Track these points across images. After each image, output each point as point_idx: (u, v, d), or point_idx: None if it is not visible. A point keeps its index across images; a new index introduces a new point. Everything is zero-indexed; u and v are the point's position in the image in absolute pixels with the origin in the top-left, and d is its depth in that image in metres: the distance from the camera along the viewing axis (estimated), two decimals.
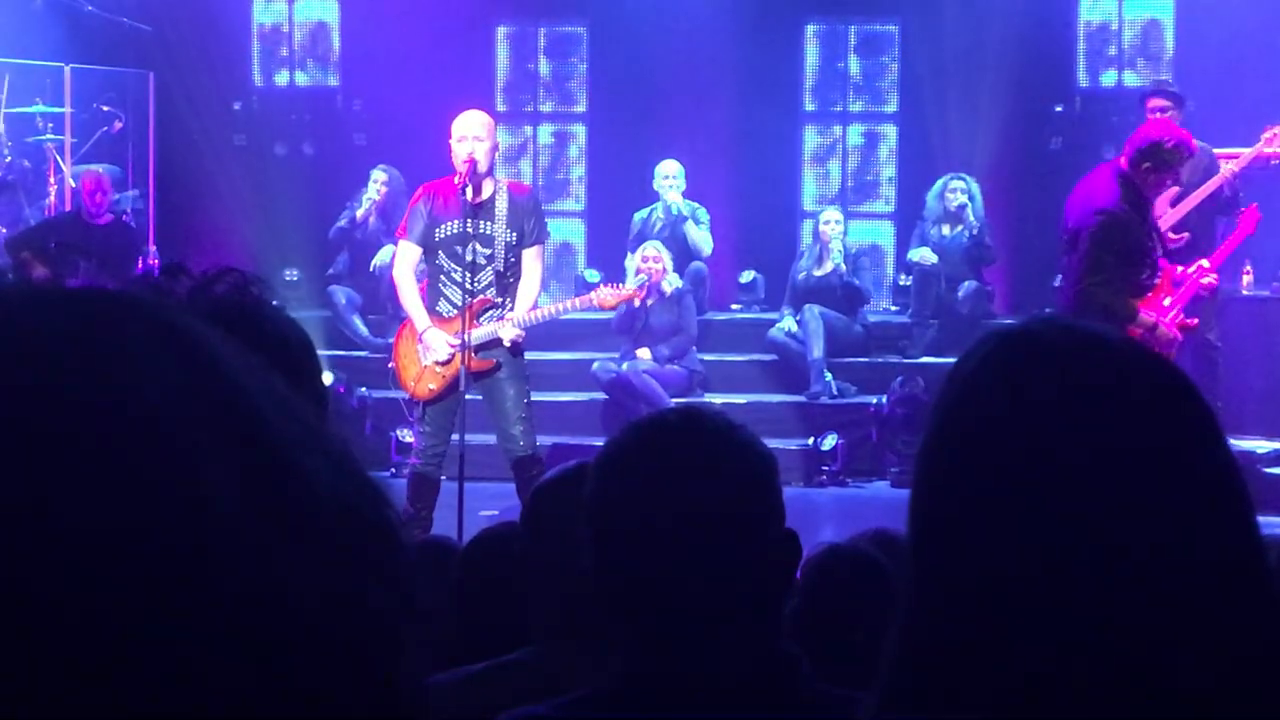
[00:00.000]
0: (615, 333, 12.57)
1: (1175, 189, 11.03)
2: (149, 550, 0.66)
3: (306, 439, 0.74)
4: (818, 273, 13.11)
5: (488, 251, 8.64)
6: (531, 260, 8.78)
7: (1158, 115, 11.24)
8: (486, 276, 8.66)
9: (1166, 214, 11.03)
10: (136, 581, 0.66)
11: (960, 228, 13.23)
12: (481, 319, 8.64)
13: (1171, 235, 10.91)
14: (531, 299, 8.75)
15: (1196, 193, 10.85)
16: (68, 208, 13.25)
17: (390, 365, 9.18)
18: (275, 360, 1.31)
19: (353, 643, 0.71)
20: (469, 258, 8.58)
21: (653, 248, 12.59)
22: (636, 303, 11.72)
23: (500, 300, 8.69)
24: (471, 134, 8.61)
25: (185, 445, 0.69)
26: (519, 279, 8.77)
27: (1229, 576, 1.34)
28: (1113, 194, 8.57)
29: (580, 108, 15.63)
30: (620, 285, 9.84)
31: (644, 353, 12.41)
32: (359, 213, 13.63)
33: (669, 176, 13.50)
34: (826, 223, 13.27)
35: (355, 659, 0.71)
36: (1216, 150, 11.23)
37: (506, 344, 8.64)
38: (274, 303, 1.38)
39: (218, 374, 0.73)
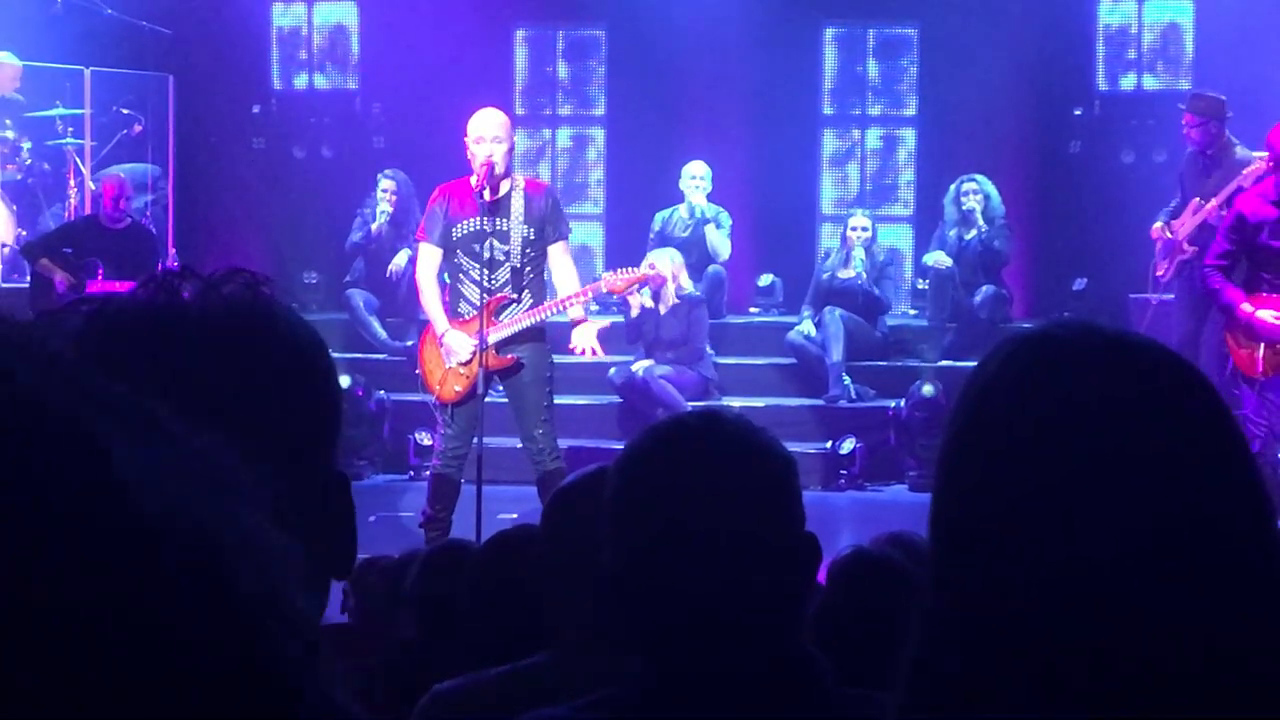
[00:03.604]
0: (628, 342, 12.48)
1: (1197, 200, 11.02)
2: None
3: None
4: (842, 275, 13.07)
5: (505, 248, 8.64)
6: (560, 255, 8.80)
7: (1192, 132, 11.23)
8: (504, 274, 8.66)
9: (1187, 222, 11.03)
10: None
11: (974, 231, 13.19)
12: (500, 316, 8.64)
13: (1185, 245, 10.92)
14: (576, 289, 8.79)
15: (1211, 202, 10.80)
16: (87, 211, 13.27)
17: (417, 371, 9.17)
18: (288, 361, 1.32)
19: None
20: (486, 254, 8.58)
21: (652, 258, 12.35)
22: (635, 310, 11.65)
23: (516, 297, 8.69)
24: (490, 135, 8.61)
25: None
26: (538, 275, 8.79)
27: (1255, 579, 1.33)
28: (1273, 191, 9.12)
29: (599, 111, 15.64)
30: (629, 269, 9.70)
31: (645, 363, 12.25)
32: (374, 226, 13.58)
33: (696, 177, 13.47)
34: (854, 229, 13.23)
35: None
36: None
37: (570, 319, 8.75)
38: (285, 303, 1.37)
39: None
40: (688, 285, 12.62)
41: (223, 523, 0.73)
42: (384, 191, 13.62)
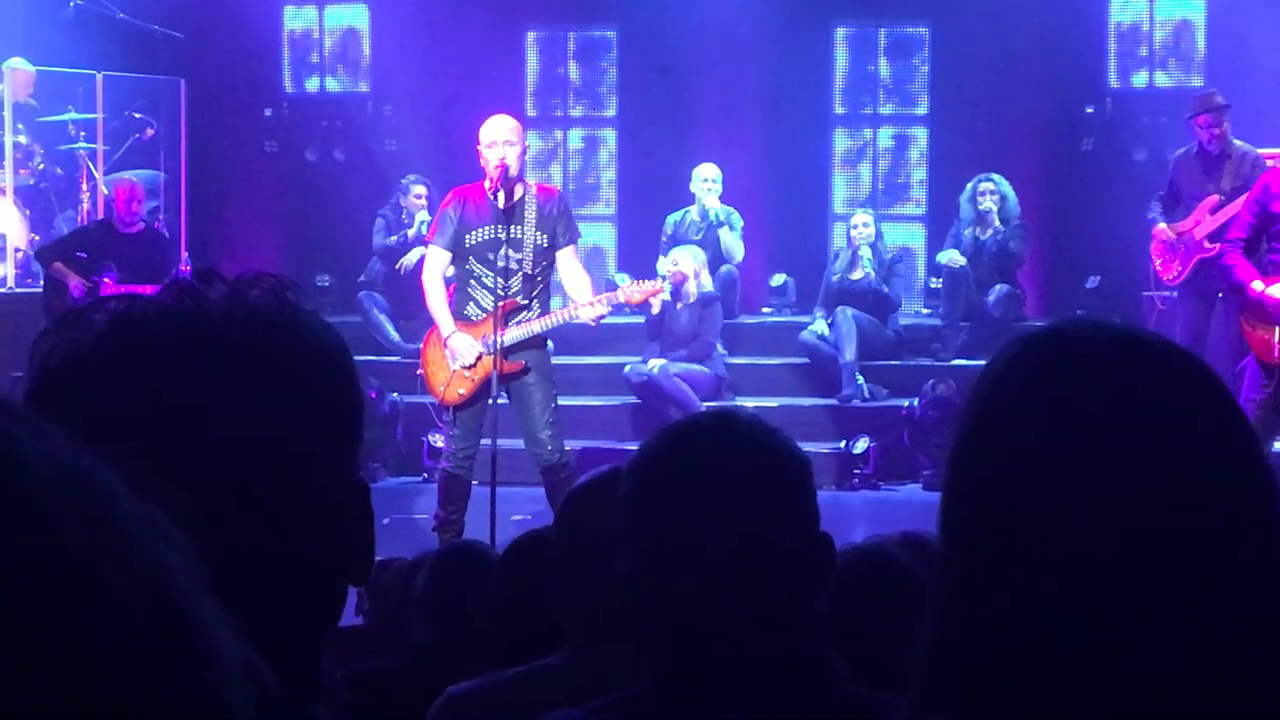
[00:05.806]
0: (649, 340, 12.48)
1: (1216, 197, 11.00)
2: None
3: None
4: (851, 276, 13.06)
5: (519, 256, 8.65)
6: (570, 260, 8.79)
7: (1215, 131, 11.18)
8: (516, 281, 8.67)
9: (1205, 221, 11.01)
10: None
11: (990, 231, 13.18)
12: (510, 322, 8.64)
13: (1206, 244, 10.90)
14: (589, 293, 8.77)
15: (1236, 201, 10.78)
16: (100, 216, 13.29)
17: (419, 372, 9.18)
18: (311, 366, 1.33)
19: None
20: (501, 263, 8.58)
21: (675, 255, 12.46)
22: (655, 308, 11.65)
23: (527, 303, 8.69)
24: (502, 139, 8.62)
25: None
26: (548, 282, 8.80)
27: (1262, 577, 1.34)
28: None
29: (610, 112, 15.64)
30: (644, 280, 9.71)
31: (659, 361, 12.24)
32: (410, 233, 13.39)
33: (707, 179, 13.44)
34: (855, 226, 13.22)
35: None
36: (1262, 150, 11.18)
37: (590, 321, 8.77)
38: (308, 308, 1.38)
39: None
40: (706, 283, 12.60)
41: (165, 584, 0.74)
42: (417, 197, 13.53)
